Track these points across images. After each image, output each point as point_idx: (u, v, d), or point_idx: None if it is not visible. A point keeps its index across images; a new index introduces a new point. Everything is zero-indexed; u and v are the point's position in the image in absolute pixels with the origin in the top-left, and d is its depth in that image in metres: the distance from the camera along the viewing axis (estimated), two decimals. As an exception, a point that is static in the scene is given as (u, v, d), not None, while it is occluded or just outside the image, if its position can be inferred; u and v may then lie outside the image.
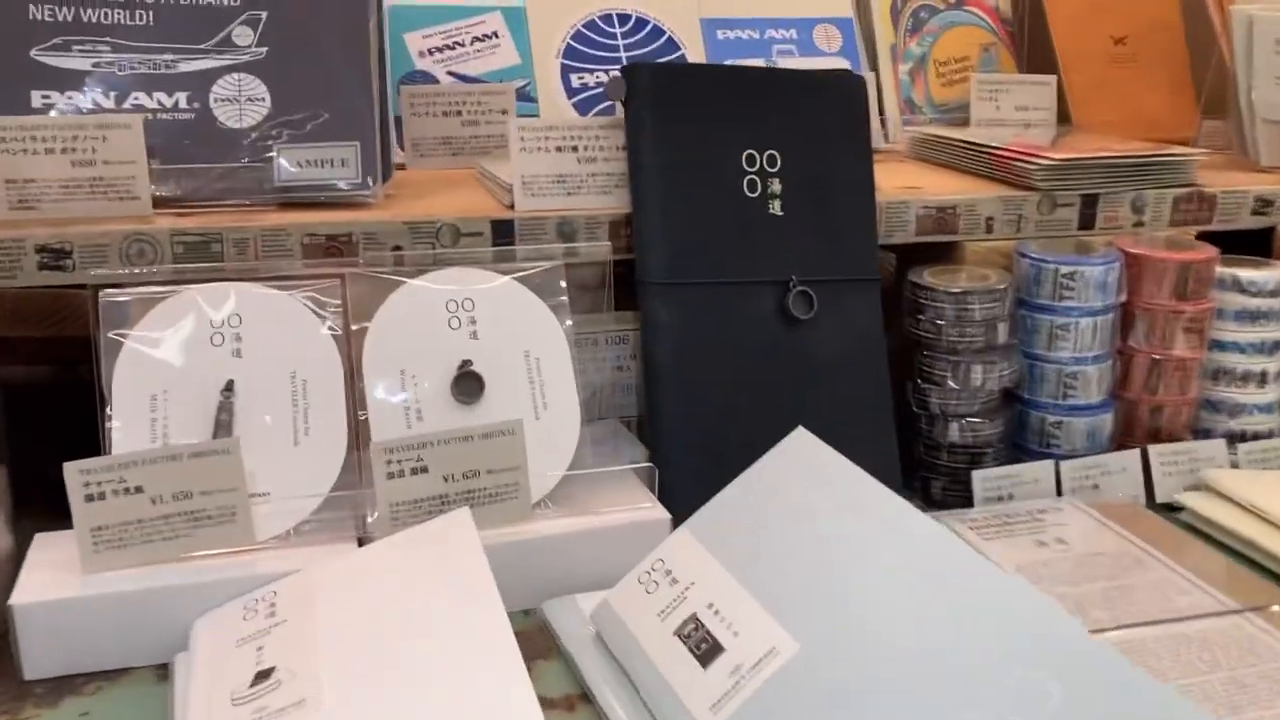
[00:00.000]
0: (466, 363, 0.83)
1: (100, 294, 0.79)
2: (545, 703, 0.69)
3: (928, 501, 0.96)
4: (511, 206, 0.90)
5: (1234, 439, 0.99)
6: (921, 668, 0.56)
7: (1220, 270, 0.97)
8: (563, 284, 0.87)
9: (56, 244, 0.81)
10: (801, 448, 0.73)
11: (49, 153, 0.81)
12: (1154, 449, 0.95)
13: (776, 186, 0.91)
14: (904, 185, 1.01)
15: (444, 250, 0.87)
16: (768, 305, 0.90)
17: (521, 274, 0.87)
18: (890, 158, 1.17)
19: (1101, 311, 0.93)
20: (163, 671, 0.71)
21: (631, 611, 0.72)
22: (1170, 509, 0.93)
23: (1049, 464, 0.93)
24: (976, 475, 0.91)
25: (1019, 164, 0.99)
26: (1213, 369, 0.99)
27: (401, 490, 0.76)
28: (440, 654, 0.63)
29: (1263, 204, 1.05)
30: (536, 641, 0.76)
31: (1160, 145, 1.04)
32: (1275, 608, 0.76)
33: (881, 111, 1.22)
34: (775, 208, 0.91)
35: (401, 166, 1.06)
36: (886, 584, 0.62)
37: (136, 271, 0.81)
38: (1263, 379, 0.98)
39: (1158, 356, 0.96)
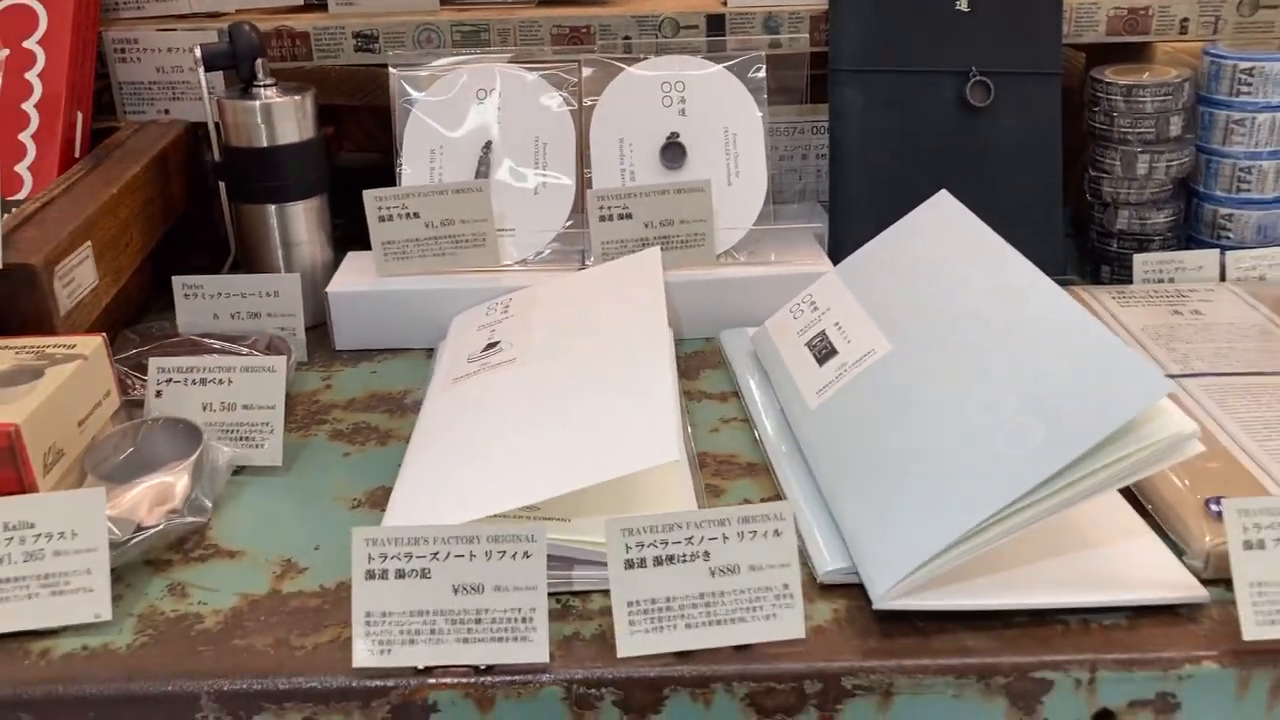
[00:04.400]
0: (674, 135, 1.00)
1: (397, 70, 1.02)
2: (705, 395, 0.88)
3: (1096, 283, 1.04)
4: (725, 3, 1.04)
5: None
6: (968, 371, 0.68)
7: None
8: (762, 71, 1.01)
9: (367, 31, 1.04)
10: (944, 207, 0.85)
11: (364, -42, 1.04)
12: (1331, 245, 0.98)
13: (965, -15, 1.00)
14: (1104, -12, 1.06)
15: (665, 40, 1.04)
16: (948, 94, 1.00)
17: (728, 63, 1.02)
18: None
19: (1280, 108, 0.96)
20: (430, 353, 0.95)
21: (780, 332, 0.88)
22: (1341, 303, 0.97)
23: (1214, 252, 0.98)
24: (1137, 258, 0.98)
25: (1222, -35, 1.01)
26: None
27: (611, 231, 0.95)
28: (615, 344, 0.81)
29: None
30: (710, 358, 0.94)
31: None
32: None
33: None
34: (962, 4, 1.00)
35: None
36: (972, 305, 0.74)
37: (424, 54, 1.04)
38: None
39: (1345, 155, 0.98)
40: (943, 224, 0.83)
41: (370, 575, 0.59)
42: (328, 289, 0.95)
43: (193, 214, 1.06)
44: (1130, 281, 0.99)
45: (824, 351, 0.81)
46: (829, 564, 0.65)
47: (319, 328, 0.98)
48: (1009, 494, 0.59)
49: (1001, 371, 0.67)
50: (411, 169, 1.00)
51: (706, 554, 0.60)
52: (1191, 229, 1.03)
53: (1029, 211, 1.00)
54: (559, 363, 0.79)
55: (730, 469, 0.78)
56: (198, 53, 0.95)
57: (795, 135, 1.12)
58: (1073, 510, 0.65)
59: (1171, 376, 0.81)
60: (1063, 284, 0.98)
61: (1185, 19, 1.03)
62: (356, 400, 0.88)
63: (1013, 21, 1.00)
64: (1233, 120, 0.98)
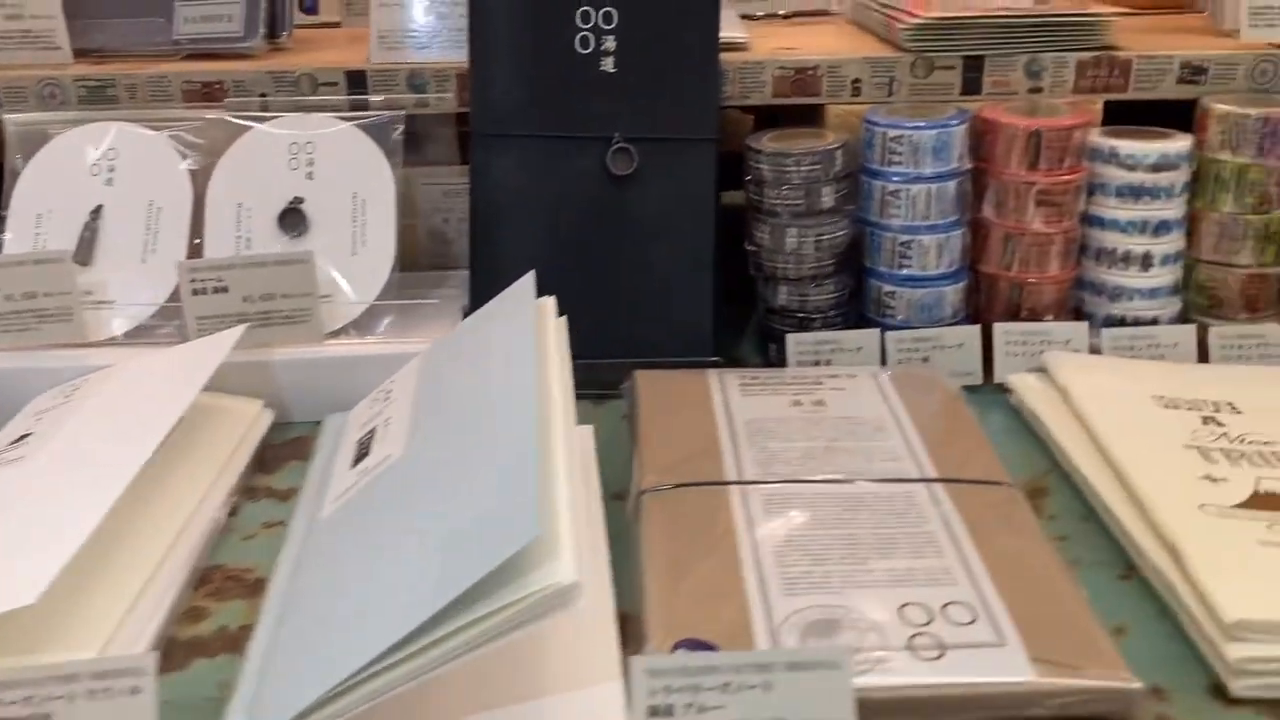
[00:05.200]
0: (296, 200, 0.93)
1: (7, 128, 0.95)
2: (270, 492, 0.80)
3: (766, 363, 0.97)
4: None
5: (1115, 324, 0.92)
6: (430, 494, 0.61)
7: (1099, 140, 0.90)
8: (399, 133, 0.94)
9: (-16, 85, 0.97)
10: (518, 295, 0.77)
11: (-19, 7, 0.97)
12: (1000, 326, 0.91)
13: (610, 44, 0.93)
14: (782, 46, 0.99)
15: (304, 98, 0.97)
16: (592, 161, 0.93)
17: (362, 122, 0.95)
18: (828, 23, 1.13)
19: (935, 179, 0.89)
20: (11, 437, 0.87)
21: (353, 422, 0.80)
22: (1006, 390, 0.90)
23: (874, 333, 0.91)
24: (790, 339, 0.91)
25: (894, 24, 0.95)
26: (1095, 248, 0.92)
27: (205, 306, 0.88)
28: (101, 449, 0.73)
29: (1192, 71, 0.94)
30: (304, 447, 0.86)
31: (1080, 4, 0.96)
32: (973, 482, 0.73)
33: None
34: (608, 65, 0.93)
35: (337, 24, 1.16)
36: (471, 414, 0.66)
37: (45, 112, 0.96)
38: (1146, 261, 0.91)
39: (1011, 229, 0.91)
40: (508, 313, 0.76)
41: None
42: (-106, 368, 0.88)
43: None
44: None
45: (363, 451, 0.73)
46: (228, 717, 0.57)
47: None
48: (370, 651, 0.51)
49: (447, 498, 0.59)
50: (14, 235, 0.93)
51: (48, 717, 0.52)
52: (863, 306, 0.95)
53: (678, 286, 0.93)
54: (46, 466, 0.72)
55: (233, 588, 0.70)
56: None
57: (452, 198, 1.05)
58: (539, 649, 0.58)
59: (743, 483, 0.74)
60: (704, 365, 0.92)
61: (858, 80, 0.95)
62: (-115, 495, 0.80)
63: (662, 84, 0.93)
64: (888, 191, 0.90)
